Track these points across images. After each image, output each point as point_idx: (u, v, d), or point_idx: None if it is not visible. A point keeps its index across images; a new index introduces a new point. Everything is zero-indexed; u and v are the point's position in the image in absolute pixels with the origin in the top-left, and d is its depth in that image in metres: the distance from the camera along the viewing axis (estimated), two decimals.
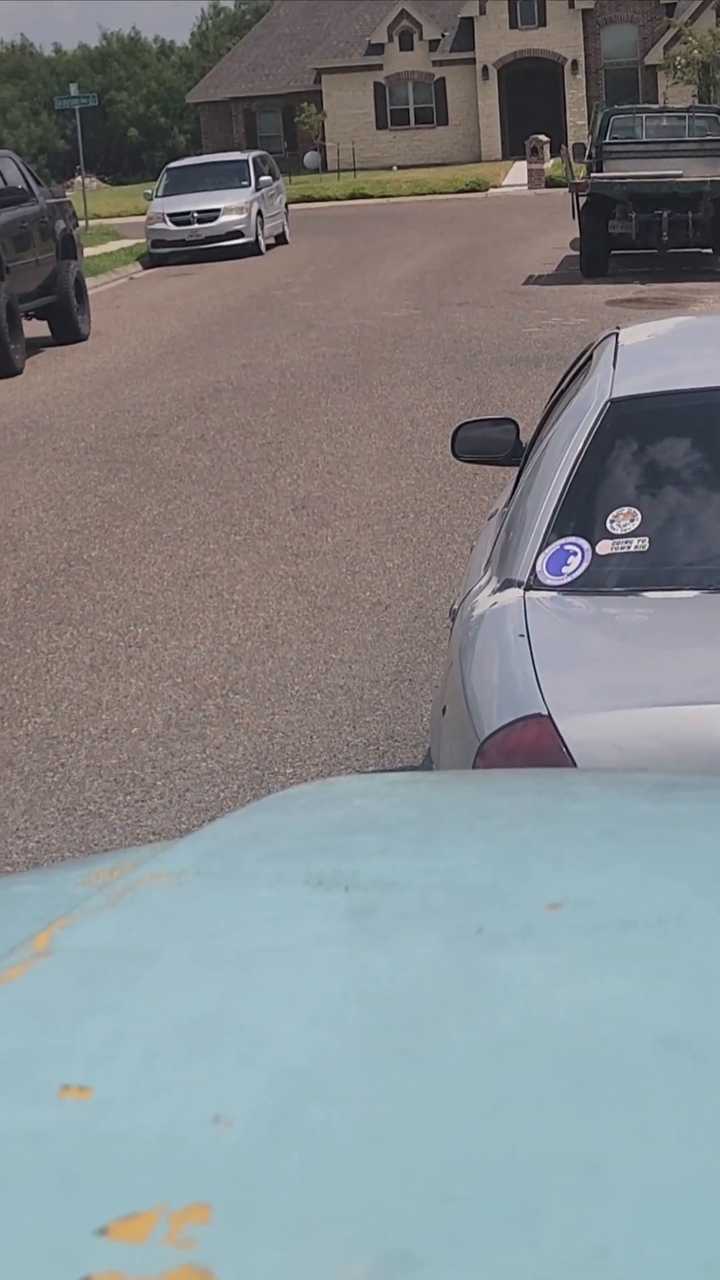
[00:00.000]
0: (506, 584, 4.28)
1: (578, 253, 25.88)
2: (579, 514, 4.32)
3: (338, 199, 51.08)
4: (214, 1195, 0.91)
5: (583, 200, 25.07)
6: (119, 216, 47.67)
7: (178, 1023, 1.14)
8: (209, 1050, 1.09)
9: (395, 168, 62.68)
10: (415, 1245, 0.86)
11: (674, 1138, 0.95)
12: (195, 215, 34.30)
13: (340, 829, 1.65)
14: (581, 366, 5.31)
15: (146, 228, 35.41)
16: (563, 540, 4.26)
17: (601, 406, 4.58)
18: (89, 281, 24.68)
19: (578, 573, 4.19)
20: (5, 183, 20.91)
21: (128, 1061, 1.09)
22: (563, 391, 5.33)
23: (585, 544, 4.24)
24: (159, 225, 34.73)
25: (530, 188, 47.25)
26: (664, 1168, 0.92)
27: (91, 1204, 0.92)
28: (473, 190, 49.65)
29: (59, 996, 1.23)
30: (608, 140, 26.30)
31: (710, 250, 25.10)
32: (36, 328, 21.75)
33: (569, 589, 4.17)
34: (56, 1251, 0.88)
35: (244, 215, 34.43)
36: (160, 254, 34.50)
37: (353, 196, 51.15)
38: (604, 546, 4.23)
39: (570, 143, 32.83)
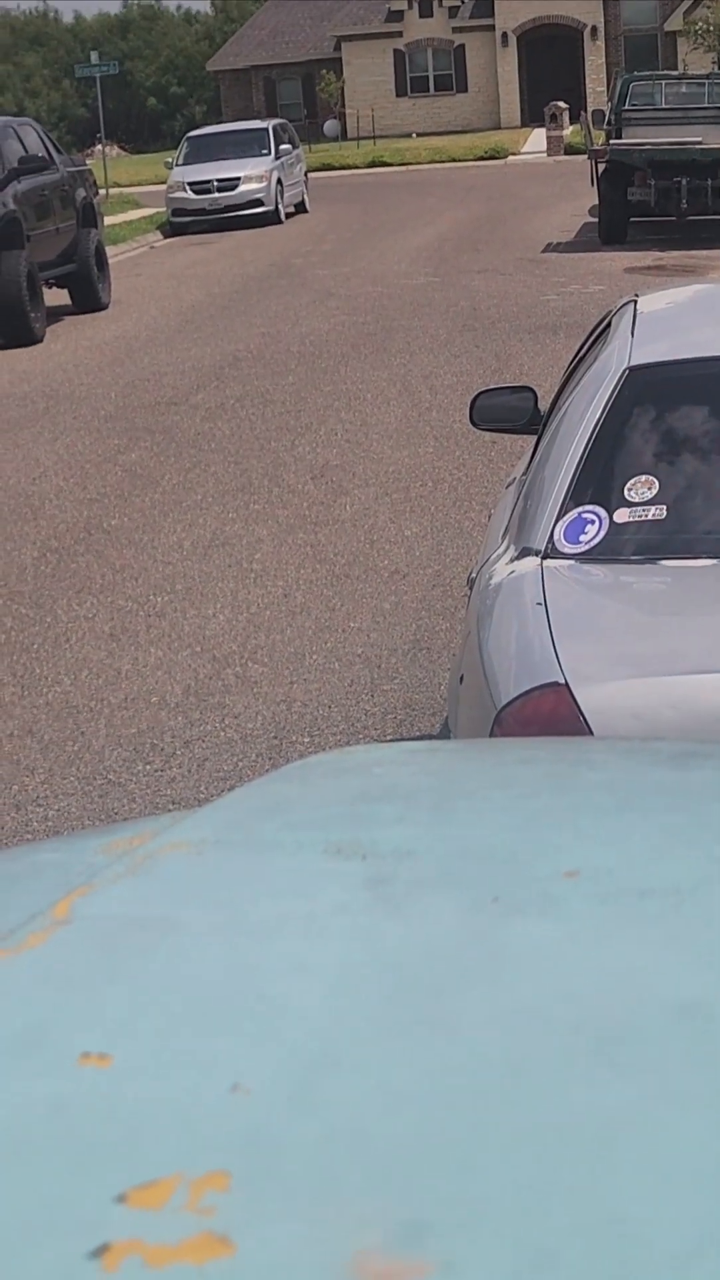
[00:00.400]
0: (524, 552, 4.28)
1: (596, 220, 25.80)
2: (597, 482, 4.31)
3: (357, 167, 50.92)
4: (232, 1163, 0.92)
5: (602, 167, 24.97)
6: (139, 185, 47.57)
7: (197, 991, 1.14)
8: (227, 1019, 1.09)
9: (414, 135, 62.46)
10: (431, 1214, 0.86)
11: (690, 1106, 0.95)
12: (215, 184, 34.19)
13: (358, 798, 1.65)
14: (600, 334, 5.29)
15: (167, 196, 35.30)
16: (580, 508, 4.25)
17: (620, 374, 4.56)
18: (109, 250, 24.65)
19: (595, 541, 4.18)
20: (26, 150, 20.85)
21: (147, 1030, 1.09)
22: (581, 359, 5.31)
23: (603, 512, 4.23)
24: (179, 194, 34.62)
25: (549, 155, 47.09)
26: (680, 1136, 0.92)
27: (110, 1171, 0.92)
28: (492, 157, 49.47)
29: (79, 965, 1.23)
30: (627, 107, 26.19)
31: None
32: (57, 296, 21.74)
33: (586, 557, 4.16)
34: (75, 1218, 0.89)
35: (264, 184, 34.32)
36: (180, 223, 34.40)
37: (372, 164, 50.97)
38: (622, 515, 4.22)
39: (589, 109, 32.62)
